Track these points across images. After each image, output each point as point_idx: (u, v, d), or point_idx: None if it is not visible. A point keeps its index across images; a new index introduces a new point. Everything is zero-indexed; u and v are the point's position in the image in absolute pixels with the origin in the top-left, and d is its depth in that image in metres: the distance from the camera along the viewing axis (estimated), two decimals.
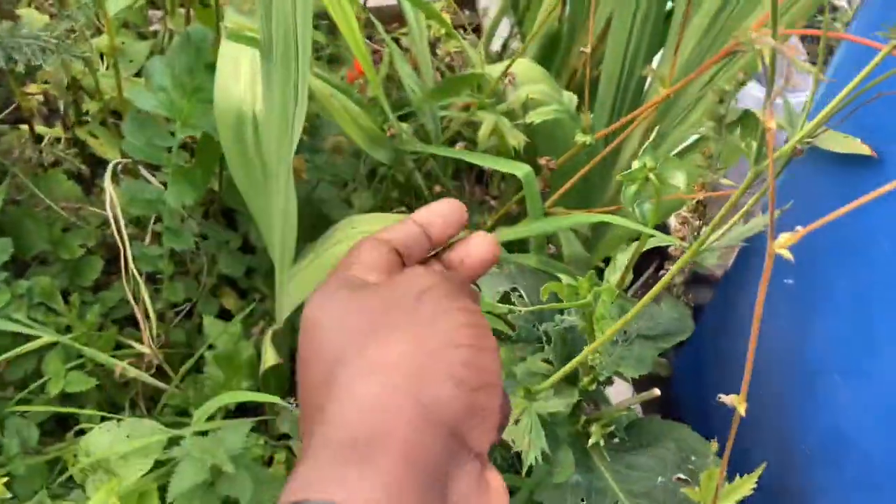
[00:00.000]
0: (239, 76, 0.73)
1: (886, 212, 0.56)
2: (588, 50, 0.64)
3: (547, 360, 0.66)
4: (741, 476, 0.62)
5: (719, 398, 0.38)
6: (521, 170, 0.64)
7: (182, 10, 1.00)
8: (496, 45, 1.25)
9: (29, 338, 0.86)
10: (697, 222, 0.66)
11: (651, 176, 0.45)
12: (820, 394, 0.66)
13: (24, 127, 0.89)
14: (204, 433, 0.74)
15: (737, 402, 0.36)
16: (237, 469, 0.70)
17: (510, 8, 1.07)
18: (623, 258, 0.55)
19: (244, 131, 0.71)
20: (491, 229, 0.84)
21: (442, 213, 0.38)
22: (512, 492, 0.68)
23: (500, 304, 0.65)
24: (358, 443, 0.27)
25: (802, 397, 0.69)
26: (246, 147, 0.72)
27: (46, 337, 0.83)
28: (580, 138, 0.68)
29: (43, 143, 0.90)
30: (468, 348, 0.30)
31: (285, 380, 0.94)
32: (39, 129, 0.91)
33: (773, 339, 0.73)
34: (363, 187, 0.96)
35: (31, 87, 0.87)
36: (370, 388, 0.29)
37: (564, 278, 0.60)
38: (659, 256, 1.16)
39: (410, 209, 0.97)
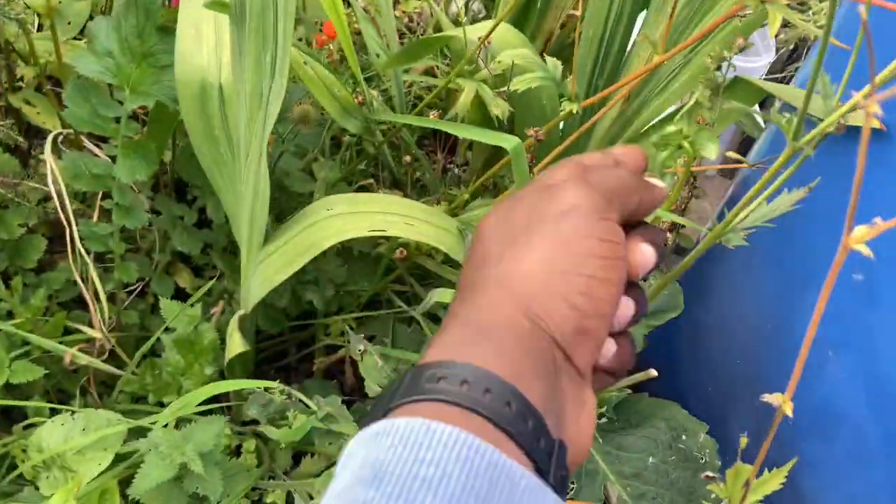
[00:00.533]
0: (201, 41, 0.67)
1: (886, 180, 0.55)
2: (579, 11, 0.60)
3: None
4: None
5: (763, 398, 0.36)
6: (509, 142, 0.60)
7: None
8: (454, 8, 1.20)
9: None
10: (686, 195, 0.64)
11: (685, 144, 0.42)
12: (811, 368, 0.66)
13: None
14: (174, 425, 0.70)
15: (782, 402, 0.34)
16: (207, 466, 0.66)
17: None
18: None
19: (209, 103, 0.66)
20: (466, 203, 0.81)
21: (630, 152, 0.41)
22: None
23: None
24: (488, 330, 0.32)
25: (790, 371, 0.68)
26: (211, 120, 0.66)
27: None
28: (567, 106, 0.65)
29: None
30: (591, 279, 0.33)
31: (251, 364, 0.90)
32: None
33: (760, 312, 0.72)
34: (327, 158, 0.91)
35: None
36: (498, 293, 0.33)
37: None
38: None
39: (378, 181, 0.93)
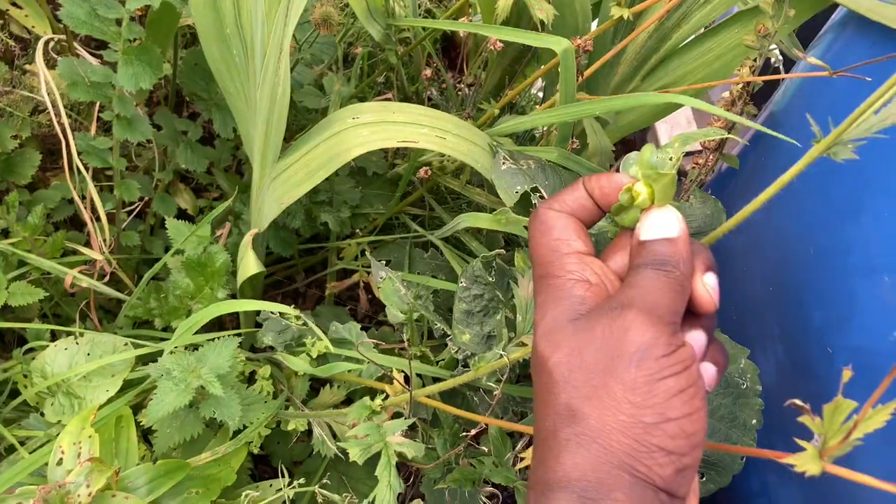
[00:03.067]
0: None
1: None
2: None
3: None
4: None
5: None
6: (559, 44, 0.55)
7: None
8: None
9: None
10: (742, 106, 0.60)
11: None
12: (861, 294, 0.63)
13: None
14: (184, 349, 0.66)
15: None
16: (224, 390, 0.62)
17: None
18: (670, 154, 0.48)
19: (221, 0, 0.60)
20: (496, 118, 0.76)
21: (608, 181, 0.39)
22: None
23: (519, 210, 0.57)
24: (596, 490, 0.34)
25: (837, 295, 0.65)
26: (222, 17, 0.60)
27: None
28: (616, 12, 0.59)
29: None
30: (680, 420, 0.34)
31: (260, 288, 0.86)
32: None
33: (801, 238, 0.68)
34: (338, 72, 0.85)
35: None
36: (595, 453, 0.34)
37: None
38: None
39: (405, 99, 0.87)
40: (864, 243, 0.63)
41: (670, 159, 0.38)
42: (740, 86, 0.60)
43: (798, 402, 0.37)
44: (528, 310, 0.51)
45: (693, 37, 0.75)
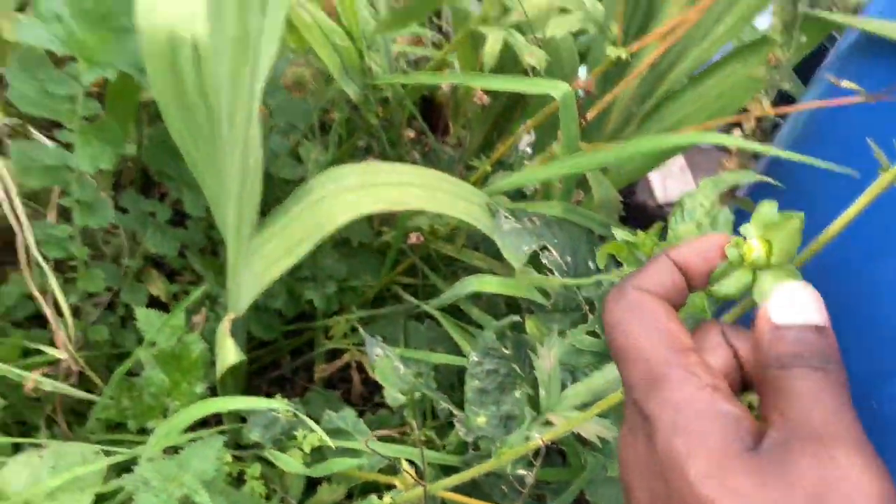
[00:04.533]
0: None
1: None
2: None
3: (592, 333, 0.53)
4: None
5: None
6: (558, 89, 0.50)
7: None
8: None
9: None
10: (757, 143, 0.55)
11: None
12: None
13: None
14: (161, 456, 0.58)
15: None
16: (212, 497, 0.54)
17: None
18: (701, 201, 0.42)
19: (180, 62, 0.54)
20: (486, 178, 0.71)
21: (700, 249, 0.32)
22: (561, 488, 0.56)
23: (531, 270, 0.51)
24: None
25: (885, 343, 0.59)
26: (183, 83, 0.55)
27: None
28: (613, 52, 0.55)
29: None
30: None
31: (243, 377, 0.78)
32: None
33: (856, 273, 0.62)
34: (315, 139, 0.80)
35: None
36: None
37: (619, 234, 0.47)
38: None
39: (383, 157, 0.82)
40: None
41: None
42: (753, 121, 0.55)
43: None
44: (552, 383, 0.45)
45: (690, 77, 0.71)
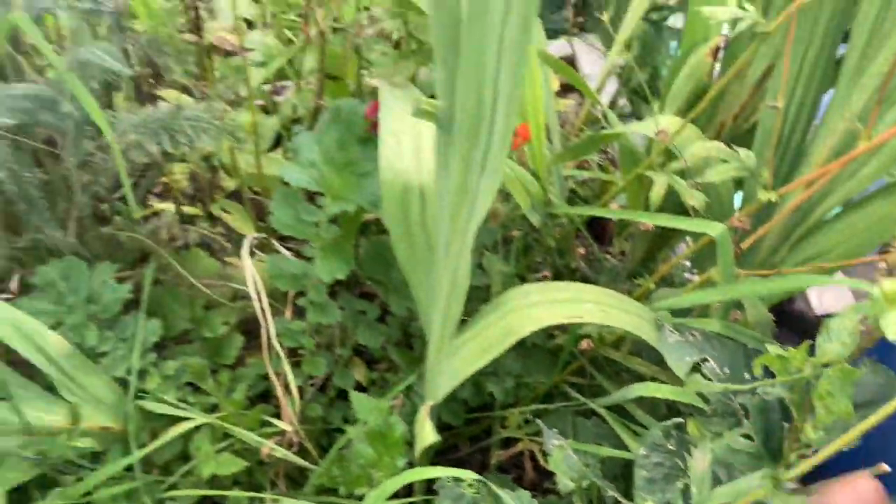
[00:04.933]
0: (401, 148, 0.72)
1: None
2: (779, 104, 0.61)
3: (745, 435, 0.61)
4: None
5: None
6: (714, 229, 0.61)
7: (308, 84, 1.01)
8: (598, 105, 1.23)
9: (174, 418, 0.84)
10: None
11: None
12: None
13: (170, 205, 0.89)
14: None
15: None
16: None
17: (635, 65, 1.06)
18: (846, 324, 0.51)
19: (410, 203, 0.70)
20: (649, 292, 0.81)
21: None
22: None
23: (696, 378, 0.61)
24: None
25: None
26: (410, 219, 0.71)
27: (200, 418, 0.82)
28: (763, 196, 0.65)
29: (187, 223, 0.90)
30: None
31: (432, 456, 0.91)
32: (181, 208, 0.92)
33: None
34: (498, 253, 0.94)
35: (177, 168, 0.88)
36: None
37: (772, 349, 0.56)
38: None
39: (557, 275, 0.94)
40: None
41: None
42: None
43: None
44: (703, 482, 0.54)
45: (838, 210, 0.79)
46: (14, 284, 0.82)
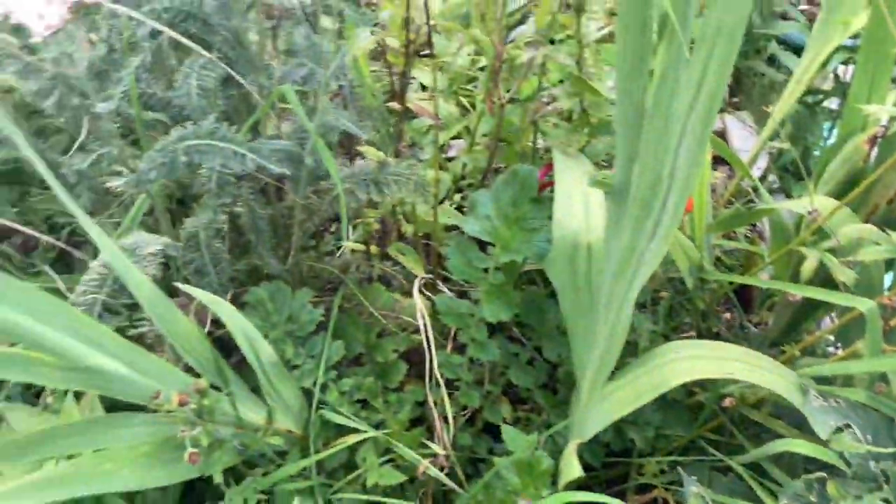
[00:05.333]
0: (572, 210, 0.81)
1: None
2: None
3: (886, 500, 0.66)
4: None
5: None
6: (864, 304, 0.66)
7: (477, 146, 1.13)
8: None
9: (345, 429, 0.96)
10: None
11: None
12: None
13: (360, 245, 1.03)
14: None
15: None
16: None
17: (788, 143, 1.11)
18: None
19: (577, 259, 0.79)
20: (793, 359, 0.86)
21: None
22: None
23: (840, 439, 0.66)
24: None
25: None
26: (577, 273, 0.80)
27: (370, 431, 0.93)
28: None
29: (372, 261, 1.04)
30: None
31: (574, 489, 0.98)
32: (370, 247, 1.05)
33: None
34: (646, 312, 1.01)
35: (371, 213, 1.01)
36: None
37: None
38: None
39: (700, 338, 1.00)
40: None
41: None
42: None
43: None
44: None
45: None
46: (226, 300, 0.97)
